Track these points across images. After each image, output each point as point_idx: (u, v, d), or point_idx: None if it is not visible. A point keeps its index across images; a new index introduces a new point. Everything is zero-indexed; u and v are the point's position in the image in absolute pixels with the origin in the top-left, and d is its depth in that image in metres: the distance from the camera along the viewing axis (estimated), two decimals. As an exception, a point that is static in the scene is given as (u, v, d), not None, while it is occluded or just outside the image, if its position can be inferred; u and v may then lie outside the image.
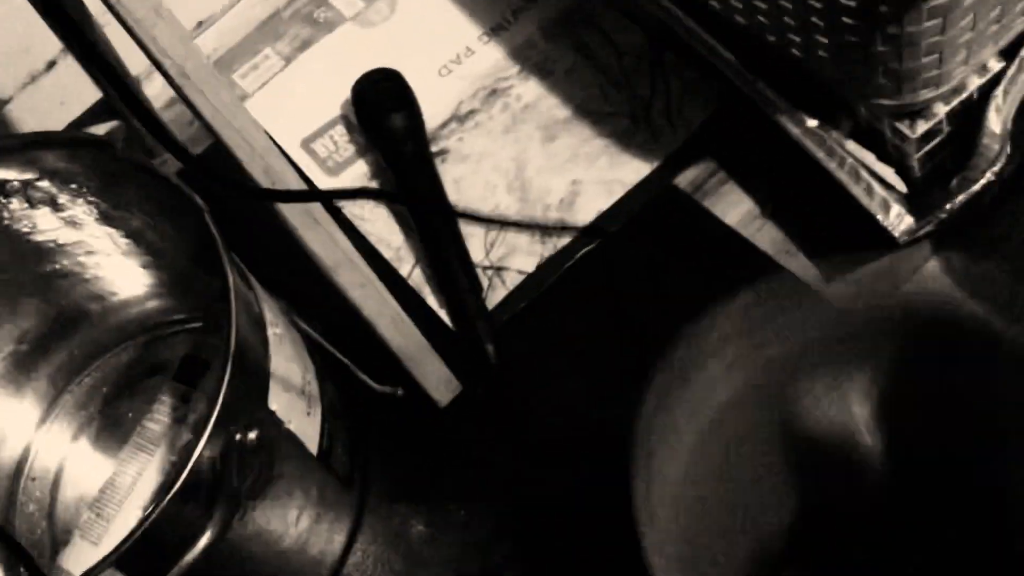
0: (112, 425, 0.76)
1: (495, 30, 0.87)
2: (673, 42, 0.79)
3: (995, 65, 0.67)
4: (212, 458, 0.52)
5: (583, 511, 0.70)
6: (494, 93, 0.85)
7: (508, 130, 0.83)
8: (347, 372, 0.73)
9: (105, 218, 0.69)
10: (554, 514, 0.71)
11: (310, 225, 0.62)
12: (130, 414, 0.75)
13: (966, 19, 0.60)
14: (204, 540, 0.51)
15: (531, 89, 0.85)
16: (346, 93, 0.85)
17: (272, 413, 0.59)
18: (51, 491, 0.74)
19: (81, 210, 0.68)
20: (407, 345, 0.70)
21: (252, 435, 0.55)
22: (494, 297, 0.77)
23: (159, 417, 0.71)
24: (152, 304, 0.77)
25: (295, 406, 0.62)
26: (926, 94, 0.65)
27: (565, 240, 0.78)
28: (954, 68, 0.64)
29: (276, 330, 0.61)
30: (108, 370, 0.78)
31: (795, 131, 0.70)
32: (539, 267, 0.78)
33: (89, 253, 0.72)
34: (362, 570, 0.70)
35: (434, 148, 0.83)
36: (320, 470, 0.65)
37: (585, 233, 0.78)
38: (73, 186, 0.66)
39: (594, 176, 0.80)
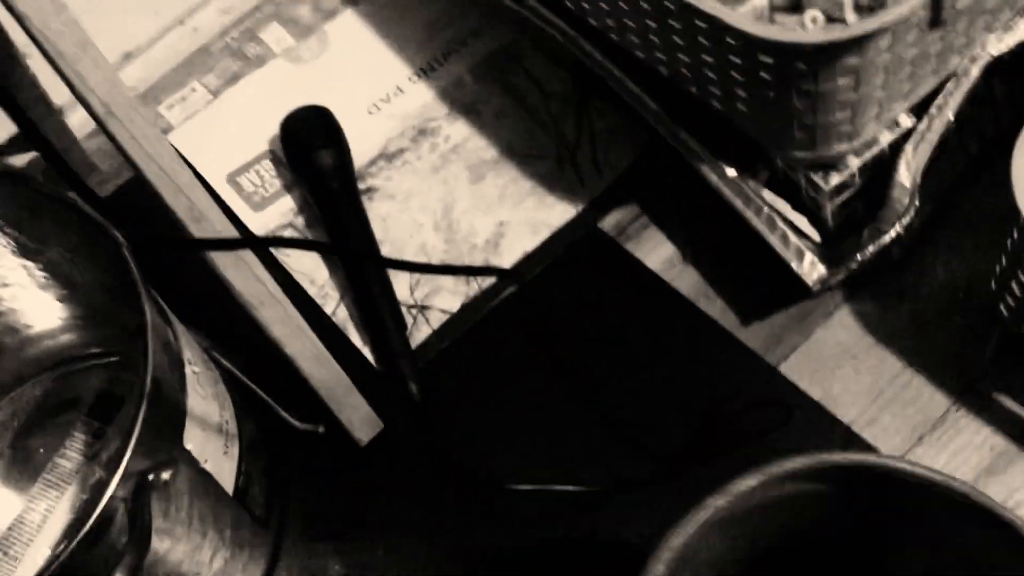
0: (23, 460, 0.74)
1: (425, 71, 0.88)
2: (599, 87, 0.80)
3: (906, 121, 0.70)
4: (124, 498, 0.51)
5: (505, 551, 0.71)
6: (423, 133, 0.86)
7: (436, 170, 0.84)
8: (267, 409, 0.73)
9: (22, 250, 0.68)
10: (476, 554, 0.71)
11: (232, 262, 0.62)
12: (41, 449, 0.73)
13: (878, 78, 0.62)
14: (113, 582, 0.49)
15: (459, 130, 0.85)
16: (274, 128, 0.85)
17: (187, 452, 0.58)
18: (-44, 528, 0.72)
19: (-4, 241, 0.67)
20: (329, 383, 0.70)
21: (165, 475, 0.54)
22: (418, 336, 0.78)
23: (71, 454, 0.70)
24: (67, 337, 0.76)
25: (212, 444, 0.61)
26: (839, 147, 0.67)
27: (489, 281, 0.79)
28: (866, 123, 0.66)
29: (194, 368, 0.61)
30: (21, 403, 0.76)
31: (714, 179, 0.72)
32: (463, 307, 0.78)
33: (4, 286, 0.70)
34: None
35: (362, 186, 0.83)
36: (235, 509, 0.64)
37: (509, 275, 0.79)
38: (-12, 217, 0.65)
39: (520, 217, 0.81)
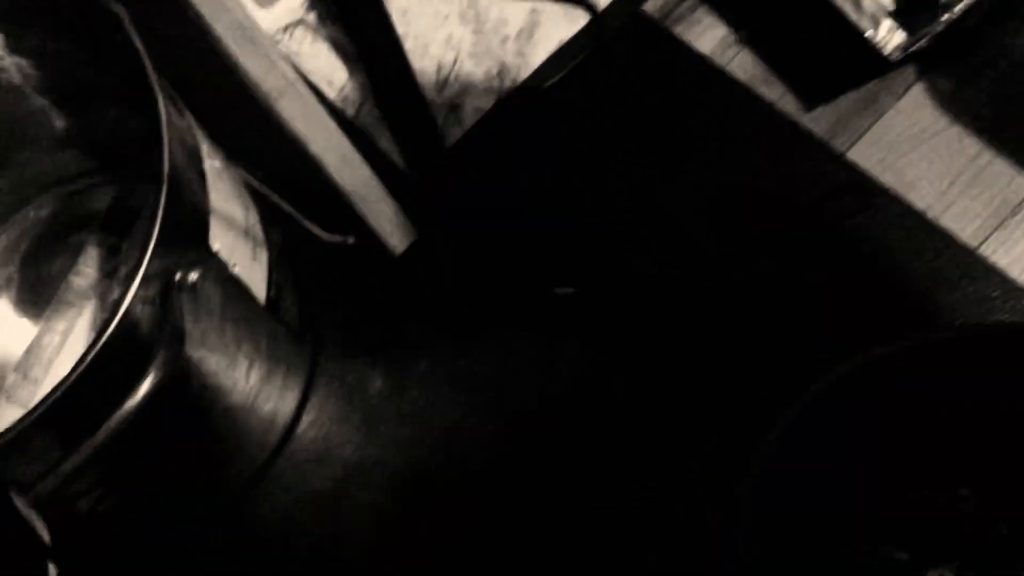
0: (35, 285, 0.69)
1: None
2: None
3: None
4: (151, 298, 0.47)
5: (541, 360, 0.66)
6: None
7: None
8: (292, 222, 0.67)
9: (14, 45, 0.61)
10: (517, 365, 0.67)
11: (248, 48, 0.56)
12: (54, 271, 0.68)
13: None
14: (147, 385, 0.45)
15: None
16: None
17: (214, 254, 0.53)
18: (-30, 358, 0.68)
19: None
20: (359, 186, 0.64)
21: (193, 275, 0.49)
22: (450, 137, 0.71)
23: (86, 271, 0.65)
24: (71, 152, 0.70)
25: (239, 248, 0.56)
26: None
27: (526, 74, 0.72)
28: None
29: (214, 163, 0.55)
30: (27, 225, 0.70)
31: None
32: (497, 104, 0.72)
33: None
34: (317, 427, 0.66)
35: None
36: (270, 320, 0.59)
37: (547, 66, 0.72)
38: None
39: (555, 3, 0.74)
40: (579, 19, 0.73)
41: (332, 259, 0.69)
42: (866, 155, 0.68)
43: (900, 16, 0.63)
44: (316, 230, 0.68)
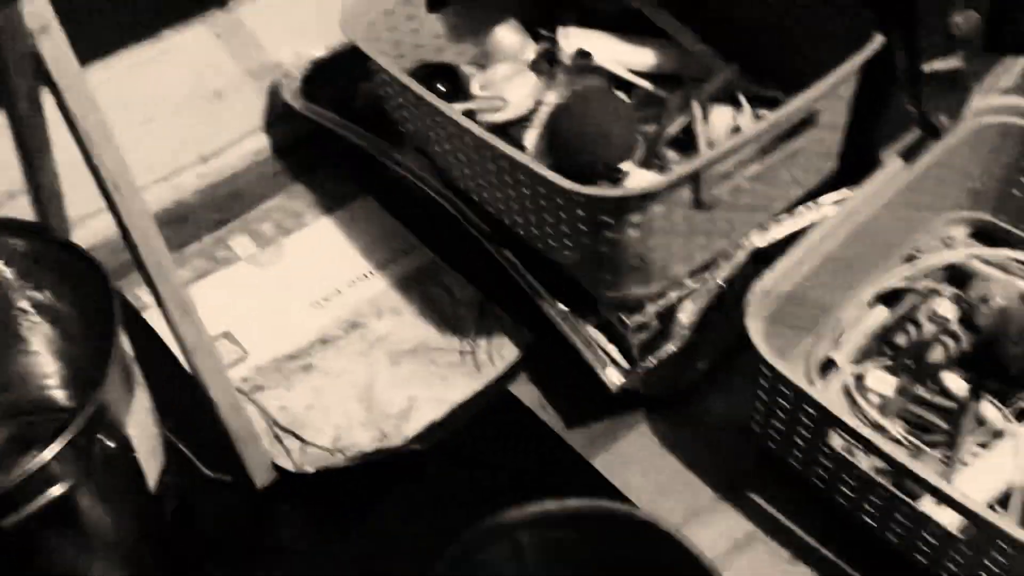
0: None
1: (360, 279, 1.12)
2: (497, 294, 1.05)
3: (689, 283, 0.96)
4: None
5: None
6: (354, 325, 1.08)
7: (363, 354, 1.05)
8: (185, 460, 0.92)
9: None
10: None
11: (180, 309, 0.84)
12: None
13: (659, 238, 0.89)
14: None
15: (384, 325, 1.07)
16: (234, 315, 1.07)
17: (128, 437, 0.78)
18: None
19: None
20: (240, 430, 0.90)
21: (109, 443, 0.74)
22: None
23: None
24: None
25: (143, 442, 0.81)
26: (637, 291, 0.93)
27: (398, 442, 0.98)
28: (656, 275, 0.92)
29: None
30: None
31: (551, 313, 0.97)
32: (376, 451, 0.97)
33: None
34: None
35: (301, 363, 1.04)
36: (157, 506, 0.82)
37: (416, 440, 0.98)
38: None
39: (428, 395, 1.02)
40: (444, 407, 1.00)
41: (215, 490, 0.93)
42: (605, 464, 0.95)
43: (624, 368, 0.94)
44: (203, 468, 0.93)
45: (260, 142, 1.25)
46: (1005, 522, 0.76)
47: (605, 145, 1.00)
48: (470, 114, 1.04)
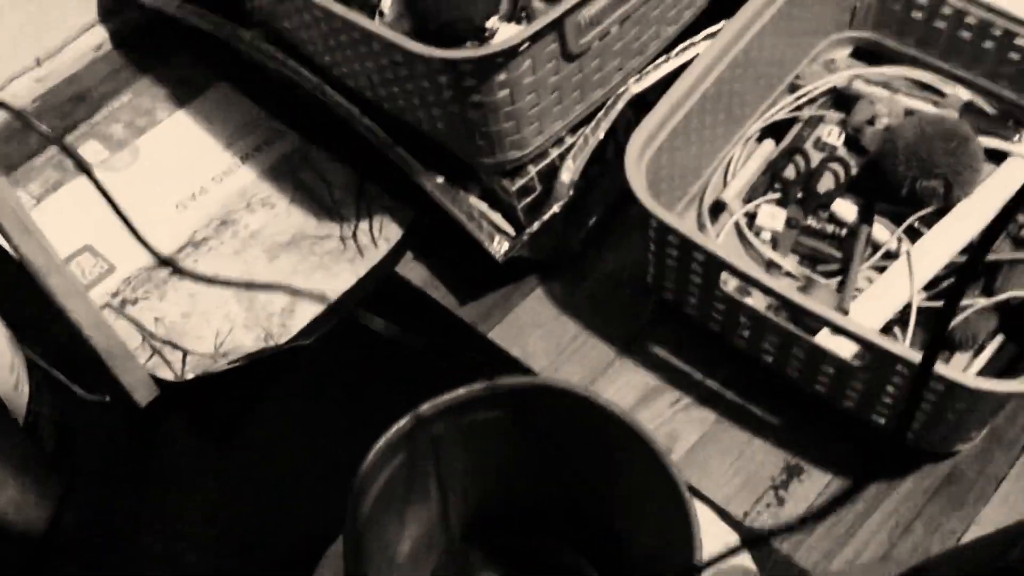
0: None
1: (225, 173, 1.05)
2: (373, 172, 0.99)
3: (568, 139, 0.92)
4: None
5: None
6: (224, 223, 1.01)
7: (238, 253, 0.99)
8: (63, 386, 0.87)
9: None
10: (250, 501, 0.86)
11: (23, 235, 0.77)
12: None
13: (529, 95, 0.84)
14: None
15: (257, 219, 1.01)
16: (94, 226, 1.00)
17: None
18: None
19: None
20: (109, 346, 0.85)
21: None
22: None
23: None
24: None
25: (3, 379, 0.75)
26: (514, 154, 0.88)
27: (283, 340, 0.93)
28: (532, 135, 0.88)
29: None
30: None
31: (429, 186, 0.92)
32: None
33: None
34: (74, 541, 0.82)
35: (172, 269, 0.98)
36: (26, 440, 0.77)
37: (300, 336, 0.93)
38: None
39: (310, 287, 0.97)
40: (329, 298, 0.95)
41: (93, 411, 0.88)
42: (501, 335, 0.93)
43: (510, 234, 0.90)
44: (78, 390, 0.88)
45: (99, 36, 1.15)
46: (897, 346, 0.75)
47: (466, 3, 0.93)
48: (319, -19, 0.96)
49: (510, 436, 0.72)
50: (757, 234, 0.94)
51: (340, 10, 0.85)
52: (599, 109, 0.92)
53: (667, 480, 0.63)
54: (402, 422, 0.65)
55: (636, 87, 0.94)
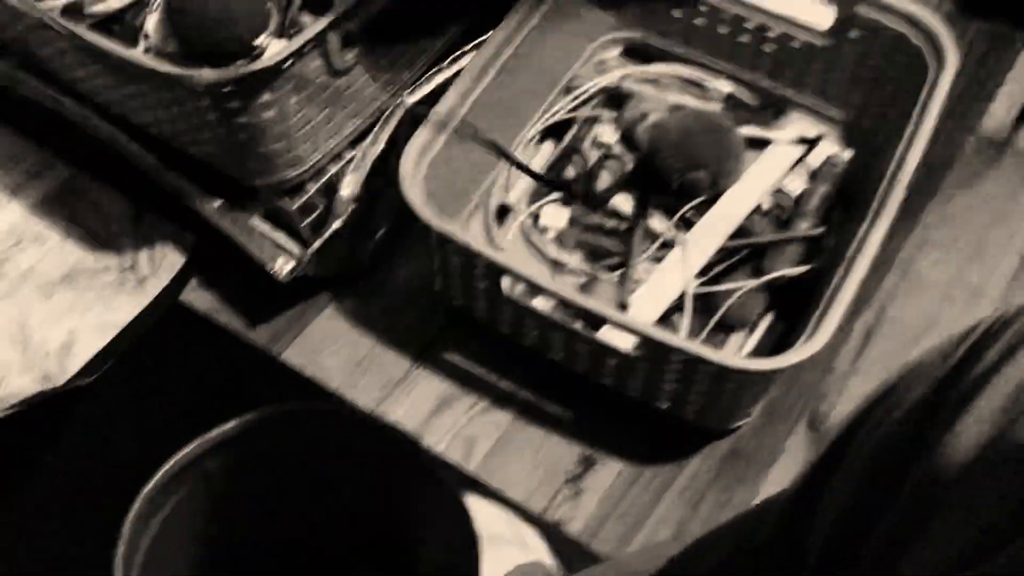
0: None
1: None
2: (150, 200, 0.96)
3: (347, 154, 0.92)
4: None
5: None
6: None
7: (9, 294, 0.94)
8: None
9: None
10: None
11: None
12: None
13: (298, 114, 0.83)
14: None
15: (28, 257, 0.96)
16: None
17: None
18: None
19: None
20: None
21: None
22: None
23: None
24: None
25: None
26: (290, 173, 0.88)
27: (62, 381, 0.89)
28: (307, 153, 0.87)
29: None
30: None
31: (206, 210, 0.90)
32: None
33: None
34: None
35: None
36: None
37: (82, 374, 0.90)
38: None
39: (89, 323, 0.92)
40: (110, 332, 0.92)
41: None
42: (295, 355, 0.92)
43: (296, 252, 0.89)
44: None
45: None
46: (668, 336, 0.79)
47: (230, 22, 0.91)
48: (75, 7, 0.93)
49: (289, 463, 0.71)
50: (543, 233, 0.97)
51: (92, 37, 0.82)
52: (376, 122, 0.93)
53: (449, 496, 0.64)
54: (168, 464, 0.63)
55: (411, 99, 0.95)
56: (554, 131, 1.04)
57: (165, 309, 0.93)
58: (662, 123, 0.99)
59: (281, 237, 0.91)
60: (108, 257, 0.96)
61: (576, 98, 1.04)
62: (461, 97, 0.90)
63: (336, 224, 0.89)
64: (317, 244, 0.88)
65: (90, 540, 0.81)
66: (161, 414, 0.88)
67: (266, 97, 0.80)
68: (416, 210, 0.82)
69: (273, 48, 0.93)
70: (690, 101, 1.03)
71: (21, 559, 0.81)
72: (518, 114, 1.01)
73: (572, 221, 0.97)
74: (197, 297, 0.95)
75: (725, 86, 1.05)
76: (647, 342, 0.79)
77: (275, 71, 0.78)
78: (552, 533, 0.82)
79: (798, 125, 1.01)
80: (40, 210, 1.00)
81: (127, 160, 0.93)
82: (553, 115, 1.04)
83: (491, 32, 0.94)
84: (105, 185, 1.00)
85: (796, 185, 0.97)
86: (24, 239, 0.98)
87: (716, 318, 0.89)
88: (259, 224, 0.91)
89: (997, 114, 1.06)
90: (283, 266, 0.88)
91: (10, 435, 0.85)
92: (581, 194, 0.98)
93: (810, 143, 1.00)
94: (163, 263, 0.95)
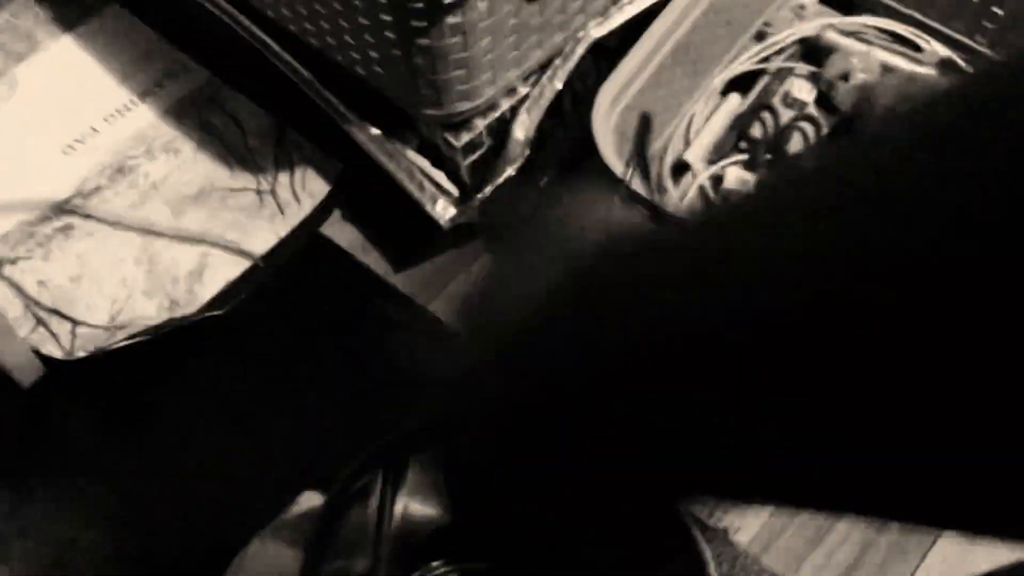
0: None
1: (120, 111, 0.90)
2: (295, 119, 0.87)
3: (522, 89, 0.82)
4: None
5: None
6: (120, 171, 0.87)
7: (136, 206, 0.86)
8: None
9: None
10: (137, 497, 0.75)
11: None
12: None
13: (485, 40, 0.73)
14: None
15: (159, 167, 0.88)
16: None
17: None
18: None
19: None
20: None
21: None
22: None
23: None
24: None
25: None
26: (462, 106, 0.78)
27: (192, 309, 0.81)
28: (483, 85, 0.77)
29: None
30: None
31: (362, 138, 0.81)
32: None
33: None
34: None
35: (59, 223, 0.84)
36: None
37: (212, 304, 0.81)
38: None
39: (222, 248, 0.84)
40: (244, 262, 0.83)
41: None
42: (441, 307, 0.83)
43: (456, 196, 0.80)
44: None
45: (-34, -58, 0.99)
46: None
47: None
48: None
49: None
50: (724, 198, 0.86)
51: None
52: (556, 55, 0.82)
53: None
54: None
55: (596, 31, 0.84)
56: (740, 82, 0.92)
57: (305, 239, 0.84)
58: (870, 85, 0.87)
59: (441, 177, 0.81)
60: (246, 177, 0.87)
61: (769, 46, 0.93)
62: (662, 37, 0.79)
63: (509, 170, 0.79)
64: (487, 191, 0.78)
65: (222, 477, 0.74)
66: (301, 351, 0.80)
67: (455, 20, 0.69)
68: (609, 164, 0.72)
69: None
70: (901, 63, 0.91)
71: (148, 504, 0.74)
72: (706, 59, 0.89)
73: (757, 187, 0.86)
74: (340, 232, 0.86)
75: (941, 49, 0.92)
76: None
77: (470, -9, 0.68)
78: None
79: None
80: (172, 117, 0.90)
81: (275, 71, 0.83)
82: (743, 63, 0.92)
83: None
84: (247, 96, 0.90)
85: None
86: (154, 147, 0.89)
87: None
88: (416, 159, 0.82)
89: None
90: (444, 210, 0.79)
91: (134, 363, 0.78)
92: (769, 157, 0.88)
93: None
94: (306, 189, 0.86)
